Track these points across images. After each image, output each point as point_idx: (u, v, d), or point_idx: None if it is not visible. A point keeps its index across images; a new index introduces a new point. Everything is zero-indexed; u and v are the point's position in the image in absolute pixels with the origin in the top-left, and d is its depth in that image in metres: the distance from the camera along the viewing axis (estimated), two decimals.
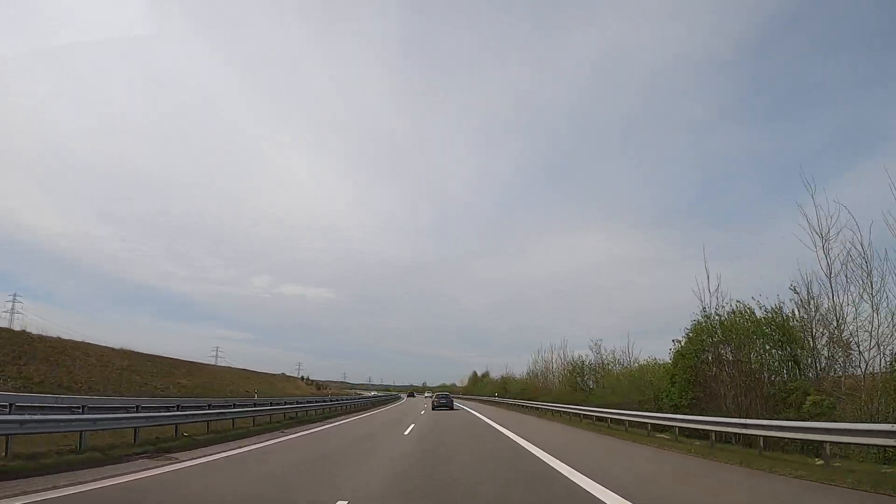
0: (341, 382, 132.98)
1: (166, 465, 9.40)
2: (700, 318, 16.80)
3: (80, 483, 7.31)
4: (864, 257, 12.90)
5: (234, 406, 21.99)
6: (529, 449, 12.65)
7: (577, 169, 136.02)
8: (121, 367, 30.09)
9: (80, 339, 30.59)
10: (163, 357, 38.10)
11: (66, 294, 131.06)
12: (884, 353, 12.11)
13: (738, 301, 16.47)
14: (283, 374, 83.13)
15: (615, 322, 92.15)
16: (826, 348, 13.97)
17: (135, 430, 11.93)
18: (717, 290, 17.07)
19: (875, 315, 12.43)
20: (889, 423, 8.80)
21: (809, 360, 14.34)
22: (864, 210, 13.35)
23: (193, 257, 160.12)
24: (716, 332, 16.52)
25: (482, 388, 72.65)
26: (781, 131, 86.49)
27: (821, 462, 9.56)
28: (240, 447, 12.69)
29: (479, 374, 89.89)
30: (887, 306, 12.39)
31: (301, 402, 29.62)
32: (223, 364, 66.43)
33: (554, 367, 43.94)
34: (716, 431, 12.93)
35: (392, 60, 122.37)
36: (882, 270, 12.57)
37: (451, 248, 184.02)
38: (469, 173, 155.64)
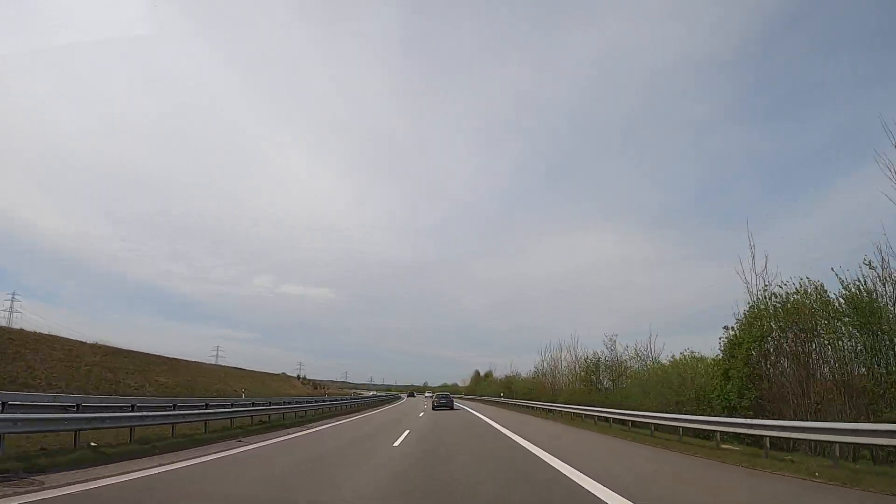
0: (343, 382, 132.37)
1: None
2: (759, 297, 13.87)
3: None
4: None
5: (207, 406, 19.16)
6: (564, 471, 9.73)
7: (578, 169, 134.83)
8: (90, 363, 27.28)
9: (46, 332, 27.84)
10: (141, 353, 35.30)
11: (67, 294, 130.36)
12: None
13: (804, 278, 13.61)
14: (283, 373, 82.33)
15: (615, 322, 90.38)
16: None
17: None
18: (763, 270, 14.88)
19: None
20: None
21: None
22: None
23: (194, 257, 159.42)
24: (779, 316, 13.58)
25: (485, 387, 70.02)
26: (781, 131, 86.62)
27: None
28: (136, 472, 8.07)
29: (481, 373, 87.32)
30: None
31: (289, 403, 26.78)
32: (224, 363, 64.81)
33: (563, 365, 40.99)
34: (800, 439, 10.06)
35: (392, 60, 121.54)
36: None
37: (451, 248, 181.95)
38: (469, 173, 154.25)
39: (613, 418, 18.80)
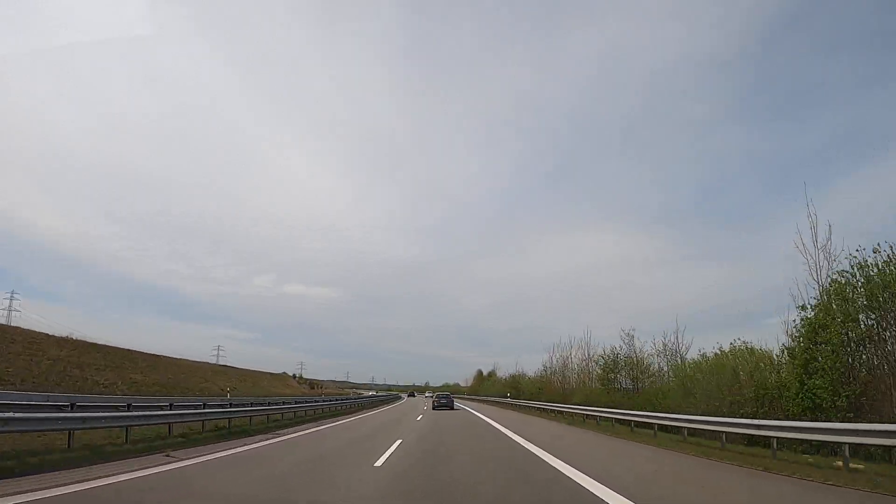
0: (344, 382, 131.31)
1: None
2: (851, 267, 10.98)
3: None
4: None
5: (171, 406, 16.36)
6: None
7: (578, 169, 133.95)
8: (53, 358, 24.48)
9: (3, 322, 25.08)
10: (120, 348, 32.59)
11: (67, 293, 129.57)
12: None
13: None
14: (284, 373, 79.80)
15: (615, 322, 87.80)
16: None
17: None
18: (827, 241, 12.91)
19: None
20: None
21: None
22: None
23: (194, 257, 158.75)
24: (874, 295, 10.65)
25: (489, 387, 67.14)
26: (782, 131, 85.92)
27: None
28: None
29: (484, 372, 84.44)
30: None
31: (273, 404, 23.97)
32: (225, 363, 63.13)
33: (574, 363, 38.01)
34: None
35: (392, 60, 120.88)
36: None
37: (451, 248, 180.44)
38: (469, 173, 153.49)
39: (635, 422, 16.73)
